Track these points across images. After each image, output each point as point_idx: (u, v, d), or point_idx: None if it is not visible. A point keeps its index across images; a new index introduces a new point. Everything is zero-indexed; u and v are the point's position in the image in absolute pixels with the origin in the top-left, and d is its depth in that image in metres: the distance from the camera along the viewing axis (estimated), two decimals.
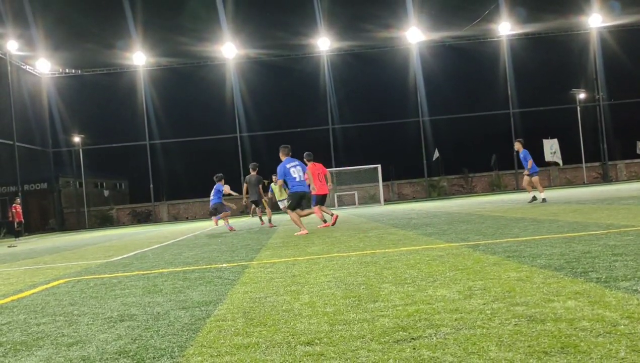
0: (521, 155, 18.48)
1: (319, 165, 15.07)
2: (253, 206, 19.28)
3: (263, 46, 43.06)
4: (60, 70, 45.18)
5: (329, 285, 5.15)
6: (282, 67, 43.75)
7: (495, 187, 41.00)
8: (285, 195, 18.22)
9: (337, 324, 3.59)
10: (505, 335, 2.99)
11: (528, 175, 18.22)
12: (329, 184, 15.10)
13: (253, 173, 18.65)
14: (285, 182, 13.14)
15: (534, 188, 18.66)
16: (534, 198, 18.22)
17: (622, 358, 2.49)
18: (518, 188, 40.04)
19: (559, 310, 3.45)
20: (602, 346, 2.68)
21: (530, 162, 17.97)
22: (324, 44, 43.07)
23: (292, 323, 3.73)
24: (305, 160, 14.58)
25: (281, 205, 19.05)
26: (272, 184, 20.43)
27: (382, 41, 43.04)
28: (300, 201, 13.13)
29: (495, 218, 12.24)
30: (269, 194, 22.08)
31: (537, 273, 4.82)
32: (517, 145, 18.65)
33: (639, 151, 38.94)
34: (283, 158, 13.26)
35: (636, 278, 4.20)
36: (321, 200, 14.98)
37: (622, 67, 39.61)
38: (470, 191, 41.57)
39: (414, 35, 42.27)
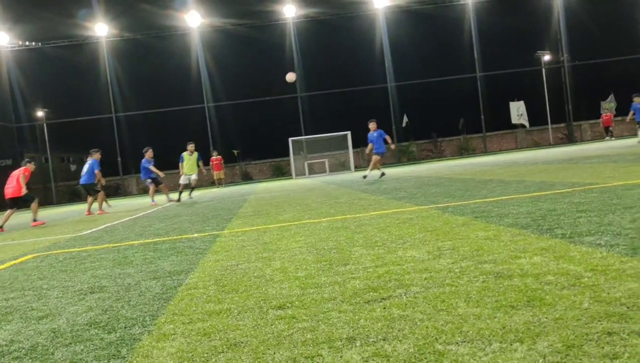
0: (375, 134, 18.85)
1: (27, 169, 15.17)
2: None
3: (228, 14, 42.40)
4: (20, 43, 43.94)
5: (300, 250, 5.18)
6: (247, 35, 43.17)
7: (463, 151, 41.36)
8: (189, 171, 19.14)
9: (309, 288, 3.61)
10: (474, 292, 3.05)
11: (377, 154, 19.00)
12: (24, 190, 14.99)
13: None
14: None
15: (382, 165, 19.91)
16: (383, 174, 19.27)
17: (586, 309, 2.55)
18: (486, 151, 40.47)
19: (526, 266, 3.52)
20: (567, 298, 2.74)
21: (387, 138, 18.62)
22: (289, 10, 42.57)
23: (263, 289, 3.74)
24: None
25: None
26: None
27: (348, 7, 42.70)
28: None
29: (464, 181, 12.37)
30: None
31: (504, 231, 4.90)
32: (372, 125, 18.89)
33: (602, 111, 39.53)
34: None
35: (599, 233, 4.30)
36: (10, 203, 15.06)
37: (585, 28, 39.94)
38: (439, 155, 41.88)
39: (380, 0, 42.01)
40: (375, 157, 19.03)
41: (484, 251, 4.14)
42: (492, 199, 7.73)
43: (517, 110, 39.33)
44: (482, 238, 4.68)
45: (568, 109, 41.75)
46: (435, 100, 40.35)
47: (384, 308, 2.96)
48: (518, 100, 39.71)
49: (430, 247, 4.58)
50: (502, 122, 40.17)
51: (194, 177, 19.27)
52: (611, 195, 6.52)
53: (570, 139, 41.51)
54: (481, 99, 40.61)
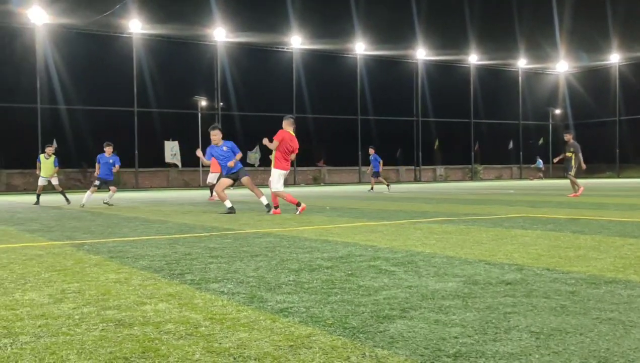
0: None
1: None
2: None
3: None
4: None
5: None
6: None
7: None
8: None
9: None
10: (89, 342, 2.89)
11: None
12: None
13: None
14: None
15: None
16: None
17: (197, 360, 2.61)
18: (137, 187, 40.21)
19: (149, 313, 3.49)
20: (181, 348, 2.77)
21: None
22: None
23: None
24: None
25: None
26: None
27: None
28: None
29: (107, 216, 12.01)
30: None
31: (136, 274, 4.83)
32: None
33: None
34: None
35: (225, 280, 4.52)
36: None
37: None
38: (88, 186, 40.06)
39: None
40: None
41: (111, 295, 4.01)
42: (131, 239, 7.62)
43: (172, 150, 40.02)
44: (112, 281, 4.53)
45: None
46: (87, 128, 38.63)
47: None
48: (173, 139, 40.46)
49: (54, 289, 4.26)
50: (157, 160, 40.38)
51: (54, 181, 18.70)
52: (243, 242, 6.96)
53: None
54: (136, 134, 40.32)
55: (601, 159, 52.18)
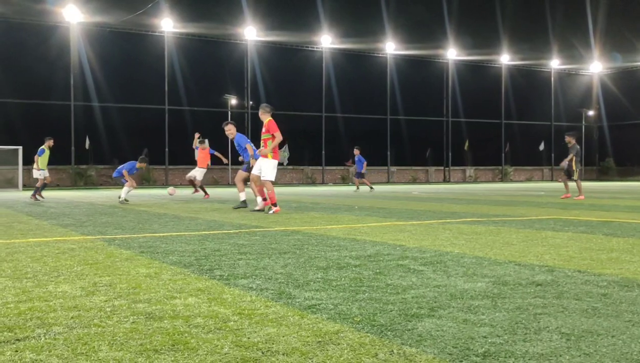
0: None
1: None
2: None
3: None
4: None
5: None
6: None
7: (144, 181, 40.89)
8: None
9: None
10: (120, 334, 2.93)
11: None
12: None
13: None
14: None
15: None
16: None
17: (225, 354, 2.63)
18: (167, 184, 40.62)
19: (179, 307, 3.53)
20: (210, 342, 2.80)
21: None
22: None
23: None
24: None
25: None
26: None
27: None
28: None
29: (138, 212, 12.16)
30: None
31: (166, 269, 4.89)
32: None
33: None
34: None
35: (254, 276, 4.55)
36: None
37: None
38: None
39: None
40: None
41: (141, 289, 4.06)
42: (161, 234, 7.71)
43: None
44: (142, 275, 4.59)
45: None
46: (122, 125, 39.14)
47: (16, 351, 2.67)
48: (203, 138, 40.79)
49: (86, 282, 4.34)
50: (186, 157, 40.75)
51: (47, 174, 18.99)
52: (271, 240, 7.00)
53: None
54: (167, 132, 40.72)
55: (635, 161, 51.24)
